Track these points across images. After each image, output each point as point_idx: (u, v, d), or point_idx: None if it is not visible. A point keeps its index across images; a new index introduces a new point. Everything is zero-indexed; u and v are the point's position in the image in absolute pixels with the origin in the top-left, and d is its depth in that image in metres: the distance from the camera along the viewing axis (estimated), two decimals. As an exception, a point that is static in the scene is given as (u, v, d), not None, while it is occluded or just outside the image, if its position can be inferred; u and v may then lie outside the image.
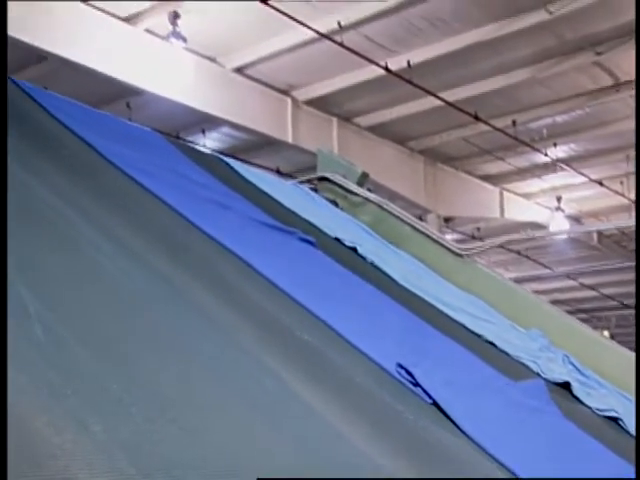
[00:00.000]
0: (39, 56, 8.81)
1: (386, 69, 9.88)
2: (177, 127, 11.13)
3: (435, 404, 2.05)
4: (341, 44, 9.12)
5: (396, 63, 9.96)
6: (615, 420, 2.73)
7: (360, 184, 4.32)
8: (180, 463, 1.25)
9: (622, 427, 2.68)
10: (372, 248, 3.59)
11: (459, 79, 10.77)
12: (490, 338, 3.11)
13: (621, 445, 2.41)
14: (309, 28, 8.93)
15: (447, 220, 14.63)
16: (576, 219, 15.94)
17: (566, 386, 2.89)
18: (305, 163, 11.42)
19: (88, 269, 1.87)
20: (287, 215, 3.42)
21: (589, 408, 2.77)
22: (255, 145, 12.04)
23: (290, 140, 11.24)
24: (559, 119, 12.20)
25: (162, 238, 2.32)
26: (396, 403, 1.94)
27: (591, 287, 19.26)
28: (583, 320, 3.88)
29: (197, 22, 9.01)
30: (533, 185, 14.95)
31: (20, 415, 1.18)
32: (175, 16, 8.78)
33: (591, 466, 2.09)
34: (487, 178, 14.68)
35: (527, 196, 15.48)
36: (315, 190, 4.32)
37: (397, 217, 4.11)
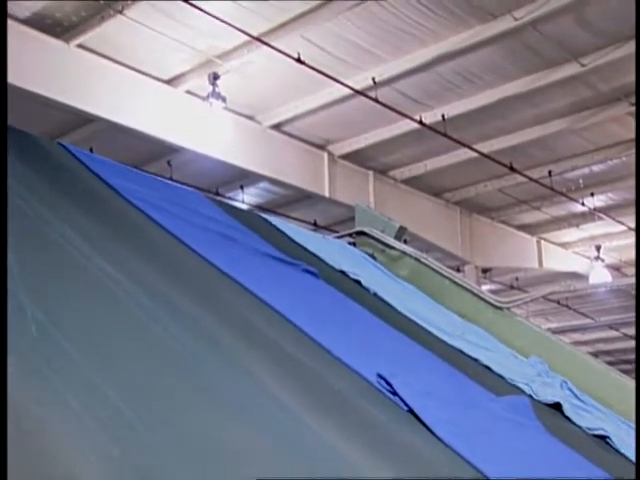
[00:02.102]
0: (86, 119, 9.16)
1: (420, 122, 10.02)
2: (216, 183, 11.38)
3: (411, 411, 2.11)
4: (375, 99, 9.30)
5: (430, 117, 10.11)
6: (604, 438, 2.68)
7: (398, 238, 4.37)
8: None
9: (611, 445, 2.64)
10: (377, 280, 3.66)
11: (494, 131, 10.87)
12: (486, 362, 3.13)
13: (606, 459, 2.38)
14: (344, 85, 9.15)
15: (485, 271, 14.55)
16: (616, 268, 15.73)
17: (558, 407, 2.86)
18: (341, 216, 11.56)
19: (120, 312, 2.06)
20: (296, 250, 3.58)
21: (579, 427, 2.75)
22: (292, 199, 12.24)
23: (327, 194, 11.39)
24: (596, 168, 12.19)
25: (171, 268, 2.53)
26: (373, 409, 2.04)
27: (634, 338, 18.85)
28: (626, 372, 3.83)
29: (235, 82, 9.29)
30: (571, 234, 14.84)
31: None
32: (214, 77, 9.06)
33: (565, 473, 2.09)
34: (524, 227, 14.63)
35: (565, 245, 15.36)
36: (354, 244, 4.39)
37: (435, 270, 4.14)
